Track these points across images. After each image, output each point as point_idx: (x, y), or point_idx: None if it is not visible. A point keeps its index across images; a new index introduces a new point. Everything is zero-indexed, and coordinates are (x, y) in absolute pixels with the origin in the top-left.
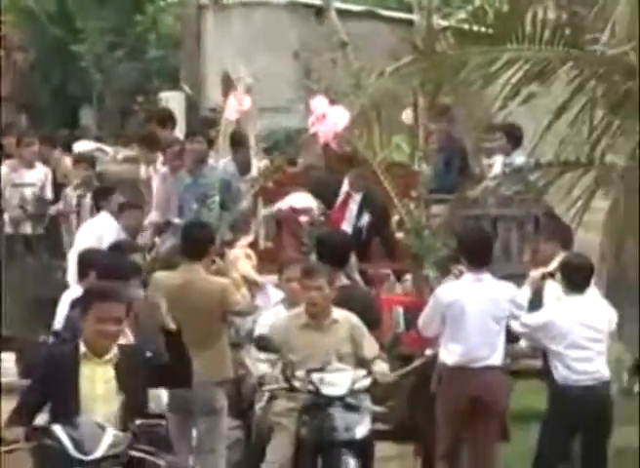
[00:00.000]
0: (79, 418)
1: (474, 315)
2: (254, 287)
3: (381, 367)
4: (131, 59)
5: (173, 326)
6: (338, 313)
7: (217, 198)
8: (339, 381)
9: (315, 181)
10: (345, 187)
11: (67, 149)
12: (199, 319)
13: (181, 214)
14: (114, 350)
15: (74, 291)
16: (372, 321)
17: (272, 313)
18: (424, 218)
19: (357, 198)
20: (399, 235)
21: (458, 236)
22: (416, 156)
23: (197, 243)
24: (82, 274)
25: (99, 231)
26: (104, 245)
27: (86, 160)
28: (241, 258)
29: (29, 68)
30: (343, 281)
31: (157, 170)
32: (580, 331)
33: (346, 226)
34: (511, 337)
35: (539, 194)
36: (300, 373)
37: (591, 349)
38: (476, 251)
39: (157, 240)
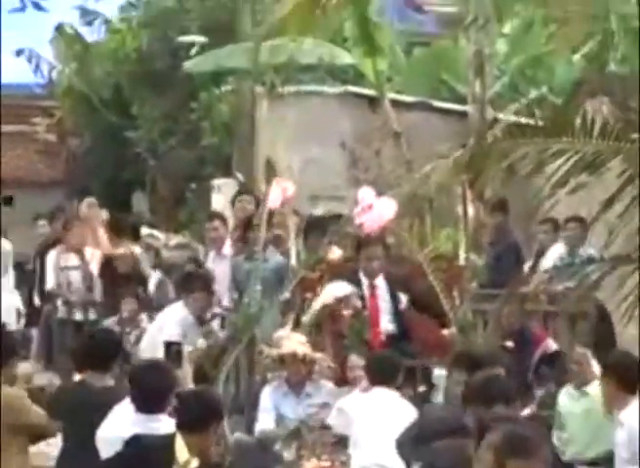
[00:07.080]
0: None
1: None
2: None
3: None
4: (184, 146)
5: None
6: None
7: (258, 287)
8: None
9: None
10: (364, 280)
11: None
12: None
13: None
14: None
15: None
16: None
17: None
18: (470, 314)
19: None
20: (445, 332)
21: None
22: (462, 249)
23: None
24: None
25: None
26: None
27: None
28: (292, 336)
29: (83, 154)
30: None
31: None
32: None
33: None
34: None
35: (590, 290)
36: None
37: None
38: None
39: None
